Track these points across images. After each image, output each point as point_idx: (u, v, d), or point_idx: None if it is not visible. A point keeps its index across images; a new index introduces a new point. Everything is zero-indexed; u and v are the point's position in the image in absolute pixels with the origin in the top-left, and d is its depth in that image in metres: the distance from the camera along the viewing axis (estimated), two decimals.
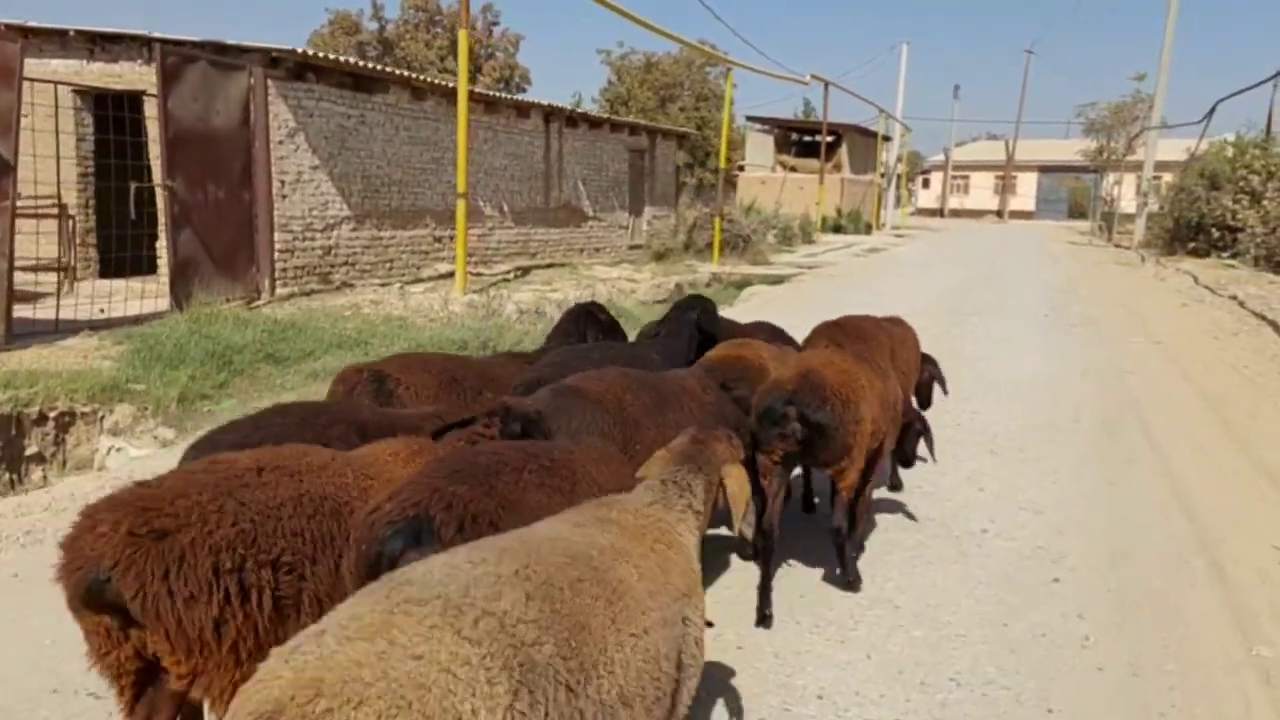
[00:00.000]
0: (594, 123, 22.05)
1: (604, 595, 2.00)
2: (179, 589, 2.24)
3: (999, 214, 66.24)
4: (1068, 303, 16.48)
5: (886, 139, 47.28)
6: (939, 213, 67.86)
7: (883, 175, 46.79)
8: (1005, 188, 67.32)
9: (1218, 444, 7.33)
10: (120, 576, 2.21)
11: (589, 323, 5.33)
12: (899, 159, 50.22)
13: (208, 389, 7.88)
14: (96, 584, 2.22)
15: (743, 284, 18.98)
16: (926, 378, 6.12)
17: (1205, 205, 26.94)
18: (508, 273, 16.99)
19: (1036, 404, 8.57)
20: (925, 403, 6.14)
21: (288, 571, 2.43)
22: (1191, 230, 27.85)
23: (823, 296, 16.31)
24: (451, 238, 14.95)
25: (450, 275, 14.49)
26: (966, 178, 71.32)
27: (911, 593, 4.52)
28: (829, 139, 39.77)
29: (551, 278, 16.85)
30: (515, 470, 2.68)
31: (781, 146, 44.73)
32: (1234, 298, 15.46)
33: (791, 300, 15.79)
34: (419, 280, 15.08)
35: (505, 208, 18.46)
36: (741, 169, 41.90)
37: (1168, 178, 32.76)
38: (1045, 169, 69.05)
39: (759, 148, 44.07)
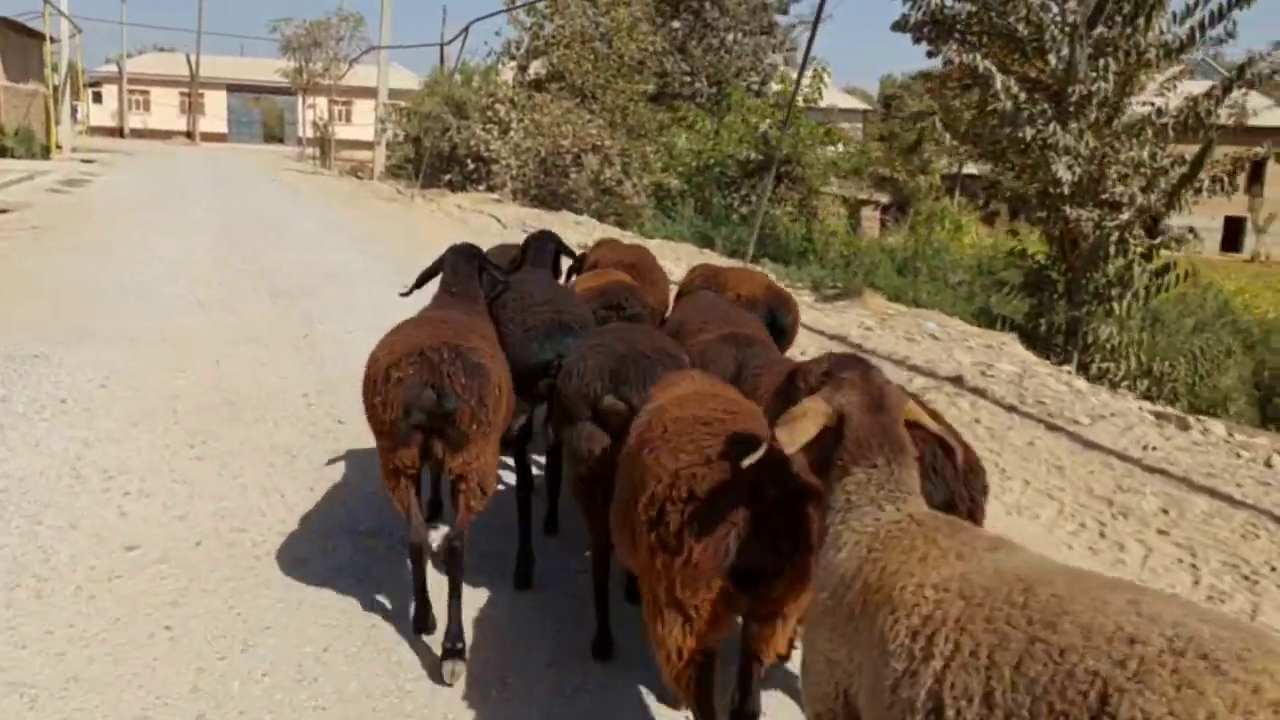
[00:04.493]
0: None
1: None
2: None
3: (189, 135, 59.83)
4: (397, 257, 13.20)
5: (54, 40, 37.58)
6: (119, 132, 58.16)
7: (56, 87, 37.16)
8: (194, 106, 60.72)
9: None
10: None
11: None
12: (69, 67, 40.61)
13: None
14: None
15: None
16: None
17: (457, 134, 25.84)
18: None
19: None
20: None
21: None
22: (444, 161, 26.63)
23: (64, 275, 10.35)
24: None
25: None
26: (147, 93, 62.32)
27: None
28: None
29: None
30: None
31: None
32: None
33: (6, 286, 9.57)
34: None
35: None
36: None
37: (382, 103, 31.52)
38: (234, 87, 63.85)
39: None
